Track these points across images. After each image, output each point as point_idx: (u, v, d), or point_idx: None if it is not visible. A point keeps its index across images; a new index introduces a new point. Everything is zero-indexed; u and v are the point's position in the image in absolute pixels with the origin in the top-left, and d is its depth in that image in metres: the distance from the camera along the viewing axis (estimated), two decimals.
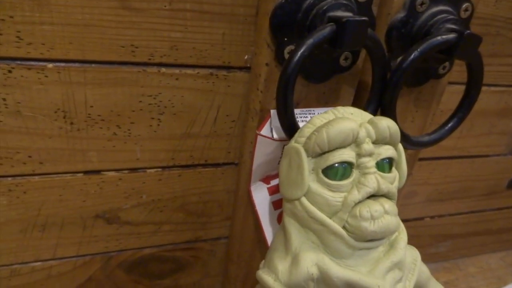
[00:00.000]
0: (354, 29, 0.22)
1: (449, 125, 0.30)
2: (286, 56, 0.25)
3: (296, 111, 0.26)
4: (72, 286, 0.33)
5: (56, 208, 0.29)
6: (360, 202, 0.21)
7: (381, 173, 0.22)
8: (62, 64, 0.24)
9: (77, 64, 0.24)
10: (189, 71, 0.27)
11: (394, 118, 0.26)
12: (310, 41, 0.22)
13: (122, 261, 0.33)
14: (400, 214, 0.23)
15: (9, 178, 0.27)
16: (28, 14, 0.22)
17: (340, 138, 0.20)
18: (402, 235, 0.23)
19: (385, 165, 0.22)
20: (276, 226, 0.30)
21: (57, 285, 0.32)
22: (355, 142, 0.21)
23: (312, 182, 0.21)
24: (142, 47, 0.25)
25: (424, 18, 0.27)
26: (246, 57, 0.28)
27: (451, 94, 0.36)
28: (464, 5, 0.28)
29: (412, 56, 0.25)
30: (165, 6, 0.24)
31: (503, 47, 0.35)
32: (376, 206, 0.21)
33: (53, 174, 0.27)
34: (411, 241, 0.24)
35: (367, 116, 0.23)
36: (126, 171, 0.29)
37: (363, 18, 0.22)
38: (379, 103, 0.27)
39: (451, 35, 0.25)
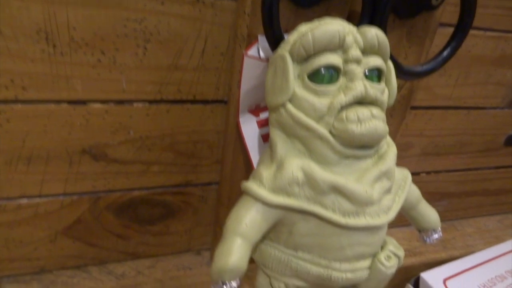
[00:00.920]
0: None
1: (443, 54, 0.29)
2: None
3: (285, 35, 0.26)
4: (59, 227, 0.32)
5: (41, 140, 0.28)
6: (347, 106, 0.20)
7: (369, 82, 0.21)
8: None
9: None
10: None
11: None
12: None
13: (111, 203, 0.33)
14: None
15: None
16: None
17: (326, 38, 0.20)
18: (392, 148, 0.23)
19: (374, 77, 0.22)
20: None
21: (45, 225, 0.32)
22: (342, 48, 0.20)
23: (298, 88, 0.21)
24: None
25: None
26: None
27: (444, 37, 0.35)
28: None
29: None
30: None
31: None
32: (363, 110, 0.20)
33: (37, 102, 0.27)
34: None
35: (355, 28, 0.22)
36: (112, 104, 0.29)
37: None
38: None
39: None
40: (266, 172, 0.21)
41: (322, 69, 0.20)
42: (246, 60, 0.25)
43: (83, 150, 0.30)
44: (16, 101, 0.26)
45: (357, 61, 0.21)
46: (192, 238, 0.38)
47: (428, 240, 0.26)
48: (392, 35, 0.30)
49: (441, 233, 0.26)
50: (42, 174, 0.30)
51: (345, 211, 0.20)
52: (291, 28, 0.27)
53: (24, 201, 0.30)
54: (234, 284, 0.20)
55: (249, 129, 0.29)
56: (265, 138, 0.29)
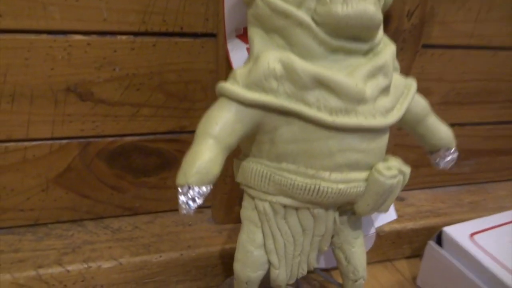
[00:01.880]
0: None
1: None
2: None
3: None
4: (50, 174, 0.31)
5: (23, 74, 0.27)
6: None
7: None
8: None
9: None
10: None
11: None
12: None
13: (101, 149, 0.31)
14: None
15: None
16: None
17: None
18: (390, 46, 0.20)
19: None
20: None
21: (34, 172, 0.31)
22: None
23: None
24: None
25: None
26: None
27: None
28: None
29: None
30: None
31: None
32: None
33: (15, 32, 0.26)
34: None
35: None
36: (94, 36, 0.27)
37: None
38: None
39: None
40: (241, 70, 0.18)
41: None
42: None
43: (67, 88, 0.28)
44: None
45: None
46: None
47: (441, 162, 0.22)
48: None
49: (456, 154, 0.23)
50: (28, 114, 0.29)
51: (332, 109, 0.17)
52: None
53: (11, 144, 0.29)
54: (204, 189, 0.17)
55: (239, 58, 0.27)
56: None
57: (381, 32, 0.19)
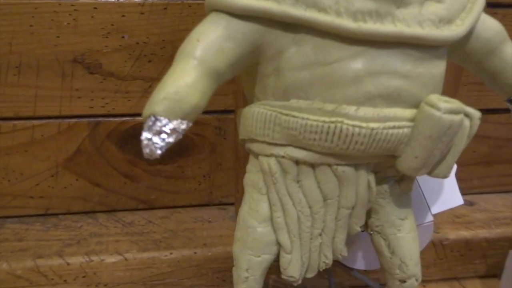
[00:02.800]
0: None
1: None
2: None
3: None
4: (60, 158, 0.29)
5: (28, 43, 0.26)
6: None
7: None
8: None
9: None
10: None
11: None
12: None
13: (112, 130, 0.29)
14: None
15: None
16: None
17: None
18: None
19: None
20: None
21: (43, 154, 0.29)
22: None
23: None
24: None
25: None
26: None
27: None
28: None
29: None
30: None
31: None
32: None
33: None
34: None
35: None
36: None
37: None
38: None
39: None
40: None
41: None
42: None
43: (74, 59, 0.26)
44: None
45: None
46: (213, 186, 0.32)
47: None
48: None
49: None
50: (35, 89, 0.27)
51: (358, 11, 0.12)
52: None
53: (19, 122, 0.28)
54: (174, 122, 0.13)
55: None
56: None
57: None
